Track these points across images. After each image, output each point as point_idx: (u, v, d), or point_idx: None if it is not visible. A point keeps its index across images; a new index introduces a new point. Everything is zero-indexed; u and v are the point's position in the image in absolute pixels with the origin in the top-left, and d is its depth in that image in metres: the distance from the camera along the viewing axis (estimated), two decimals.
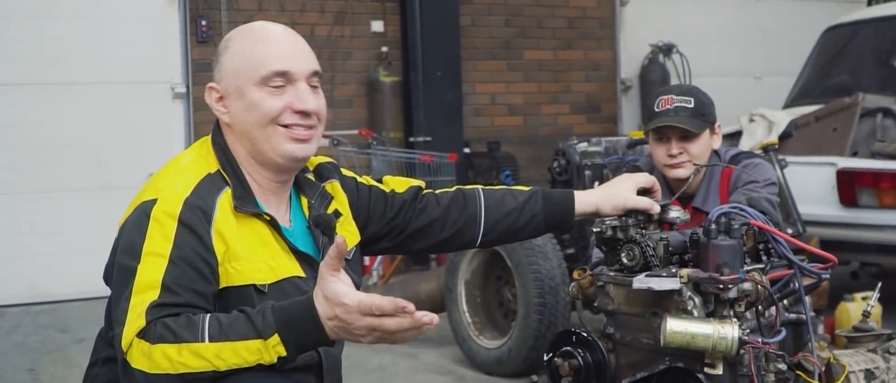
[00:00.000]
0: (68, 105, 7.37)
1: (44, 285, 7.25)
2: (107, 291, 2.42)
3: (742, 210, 2.67)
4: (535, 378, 3.02)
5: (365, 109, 8.30)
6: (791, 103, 7.14)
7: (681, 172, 3.71)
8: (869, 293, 3.24)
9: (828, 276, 2.71)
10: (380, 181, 2.77)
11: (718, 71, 9.67)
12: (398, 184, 2.77)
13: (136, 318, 2.14)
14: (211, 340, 2.11)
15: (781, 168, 5.54)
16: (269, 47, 2.37)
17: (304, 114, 2.37)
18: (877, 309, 3.30)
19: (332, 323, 2.12)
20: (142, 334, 2.12)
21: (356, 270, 2.59)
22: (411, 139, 8.22)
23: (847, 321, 4.87)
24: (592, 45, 9.50)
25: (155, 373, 2.11)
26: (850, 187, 5.66)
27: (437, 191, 2.80)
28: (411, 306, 2.08)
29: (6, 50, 7.17)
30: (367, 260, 7.82)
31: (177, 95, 7.71)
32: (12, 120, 7.20)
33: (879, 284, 3.35)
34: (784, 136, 6.35)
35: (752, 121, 6.71)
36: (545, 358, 2.81)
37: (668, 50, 9.43)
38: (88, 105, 7.43)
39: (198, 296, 2.20)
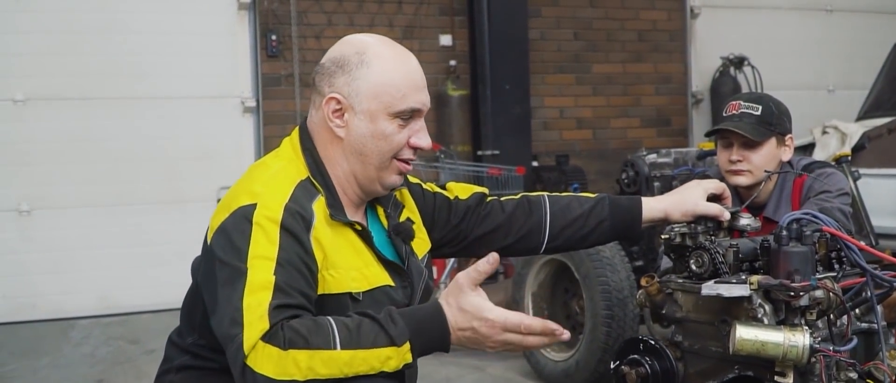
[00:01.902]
0: (141, 119, 7.48)
1: (114, 297, 7.35)
2: (178, 302, 2.41)
3: (814, 217, 2.63)
4: None
5: (433, 123, 8.32)
6: (864, 115, 7.03)
7: (741, 180, 3.66)
8: None
9: None
10: (444, 187, 2.77)
11: (791, 84, 9.54)
12: (462, 190, 2.77)
13: (257, 320, 2.09)
14: (343, 347, 2.09)
15: (854, 180, 5.45)
16: (409, 80, 2.37)
17: (418, 149, 2.41)
18: None
19: (462, 334, 2.16)
20: (268, 338, 2.08)
21: (432, 277, 2.60)
22: (479, 152, 8.22)
23: None
24: (663, 58, 9.44)
25: (282, 380, 2.07)
26: None
27: (503, 198, 2.80)
28: (559, 328, 2.17)
29: (81, 64, 7.31)
30: (434, 271, 7.86)
31: (247, 109, 7.79)
32: (86, 133, 7.33)
33: None
34: (857, 149, 6.25)
35: (825, 132, 6.62)
36: (612, 366, 2.78)
37: (739, 62, 9.35)
38: (161, 119, 7.54)
39: (306, 299, 2.19)
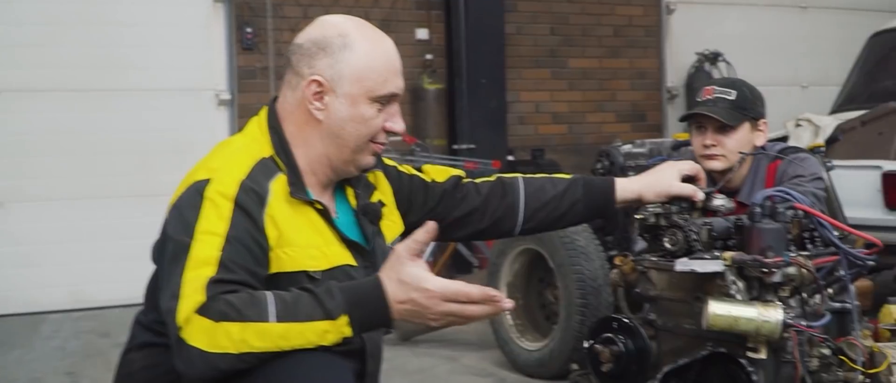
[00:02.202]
0: (114, 111, 7.43)
1: (86, 291, 7.29)
2: None
3: (788, 194, 2.64)
4: (575, 366, 2.99)
5: (409, 116, 8.30)
6: (838, 109, 7.07)
7: (715, 164, 3.67)
8: None
9: (874, 262, 2.67)
10: (420, 170, 2.76)
11: (765, 80, 9.49)
12: (438, 173, 2.76)
13: (193, 293, 2.09)
14: (277, 320, 2.07)
15: (827, 170, 5.47)
16: (390, 64, 2.37)
17: (392, 133, 2.42)
18: None
19: (402, 307, 2.13)
20: (202, 310, 2.07)
21: None
22: (455, 146, 8.22)
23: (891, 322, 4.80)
24: (638, 54, 9.46)
25: (214, 352, 2.05)
26: (895, 190, 5.59)
27: (478, 181, 2.79)
28: (499, 294, 2.14)
29: (55, 56, 7.25)
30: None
31: (222, 102, 7.75)
32: (58, 126, 7.27)
33: None
34: (830, 141, 6.28)
35: (798, 125, 6.65)
36: (586, 345, 2.79)
37: (714, 58, 9.38)
38: (134, 111, 7.49)
39: (252, 277, 2.17)
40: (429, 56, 8.41)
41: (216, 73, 7.76)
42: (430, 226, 2.19)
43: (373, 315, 2.13)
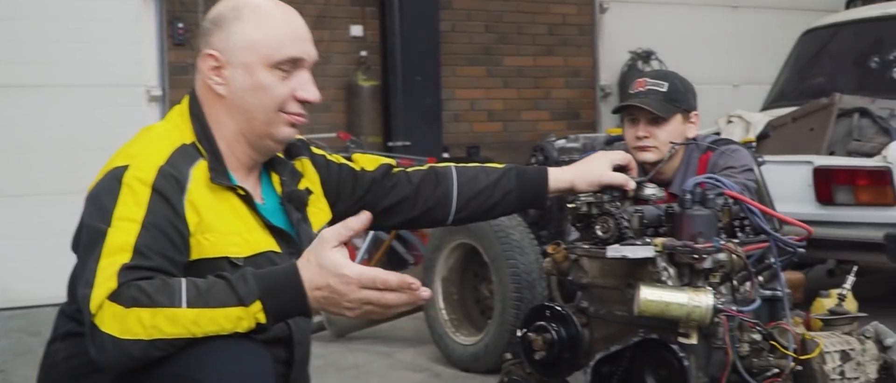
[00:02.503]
0: (43, 107, 7.32)
1: (15, 290, 7.17)
2: None
3: (718, 181, 2.66)
4: (508, 356, 2.99)
5: (343, 114, 8.28)
6: (769, 105, 7.15)
7: (647, 156, 3.69)
8: (845, 286, 3.23)
9: (803, 248, 2.70)
10: (350, 159, 2.74)
11: (697, 78, 9.51)
12: (368, 162, 2.74)
13: (106, 280, 2.06)
14: (189, 306, 2.04)
15: (758, 165, 5.53)
16: (286, 29, 2.33)
17: (306, 102, 2.36)
18: (850, 296, 3.29)
19: (318, 293, 2.09)
20: (113, 297, 2.04)
21: None
22: (390, 143, 8.20)
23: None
24: (572, 52, 9.52)
25: (126, 339, 2.03)
26: (826, 185, 5.66)
27: (409, 169, 2.78)
28: (417, 282, 2.09)
29: None
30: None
31: (153, 98, 7.67)
32: None
33: (855, 268, 3.34)
34: (761, 137, 6.35)
35: (730, 122, 6.71)
36: (519, 334, 2.79)
37: (647, 56, 9.47)
38: (64, 108, 7.38)
39: (169, 263, 2.15)
40: (363, 53, 8.38)
41: (147, 68, 7.67)
42: (365, 217, 2.16)
43: (288, 302, 2.10)
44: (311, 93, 2.35)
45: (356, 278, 2.06)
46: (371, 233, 7.34)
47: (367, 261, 7.27)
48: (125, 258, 2.09)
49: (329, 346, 5.66)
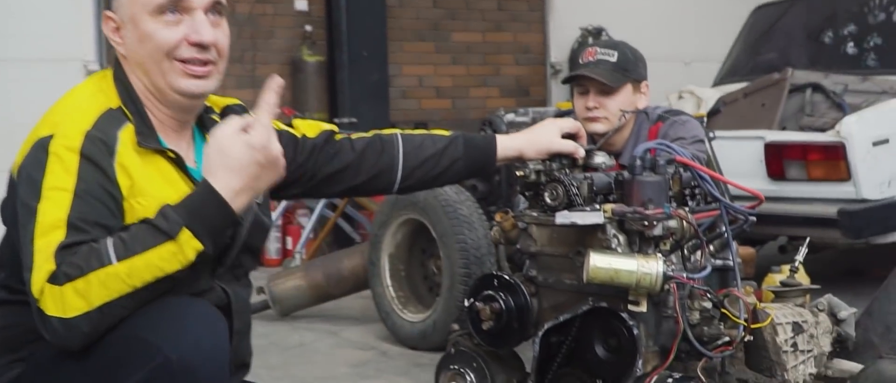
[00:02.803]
0: None
1: None
2: None
3: (668, 147, 2.66)
4: (455, 327, 2.97)
5: (288, 89, 8.20)
6: (720, 81, 7.18)
7: (597, 126, 3.70)
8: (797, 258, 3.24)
9: (754, 217, 2.71)
10: (290, 125, 2.71)
11: (648, 55, 9.49)
12: (309, 128, 2.71)
13: (43, 262, 2.05)
14: (119, 260, 2.03)
15: (709, 141, 5.55)
16: None
17: (201, 47, 2.28)
18: (801, 269, 3.31)
19: (240, 200, 2.13)
20: (52, 279, 2.03)
21: (266, 214, 2.55)
22: (336, 120, 8.14)
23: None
24: (522, 28, 9.51)
25: (72, 317, 2.02)
26: (778, 160, 5.69)
27: (353, 136, 2.75)
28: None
29: None
30: (289, 242, 7.77)
31: (90, 73, 7.55)
32: None
33: (807, 239, 3.35)
34: (712, 113, 6.38)
35: (680, 98, 6.75)
36: (466, 303, 2.78)
37: (597, 33, 9.47)
38: None
39: (106, 232, 2.11)
40: (308, 28, 8.31)
41: (84, 42, 7.56)
42: (276, 82, 2.18)
43: (214, 217, 2.11)
44: (202, 34, 2.27)
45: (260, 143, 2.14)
46: (316, 211, 7.32)
47: (313, 239, 7.25)
48: (60, 236, 2.07)
49: (273, 325, 5.62)
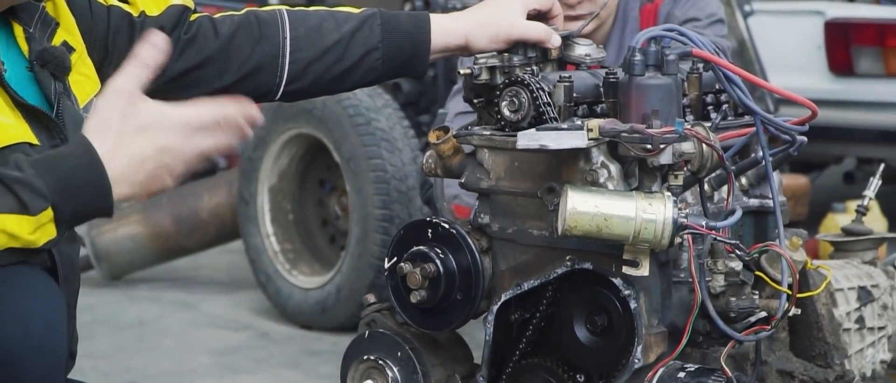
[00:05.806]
0: None
1: None
2: None
3: (681, 34, 2.66)
4: (371, 298, 3.00)
5: None
6: None
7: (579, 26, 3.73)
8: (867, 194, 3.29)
9: (806, 136, 2.74)
10: (125, 1, 2.72)
11: None
12: (150, 3, 2.73)
13: None
14: None
15: (744, 16, 5.59)
16: None
17: None
18: (875, 208, 3.37)
19: (135, 174, 2.16)
20: None
21: None
22: None
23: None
24: None
25: None
26: (843, 46, 5.74)
27: (217, 16, 2.77)
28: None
29: None
30: None
31: None
32: None
33: (881, 166, 3.41)
34: None
35: None
36: (387, 264, 2.79)
37: None
38: None
39: None
40: None
41: None
42: (158, 39, 2.22)
43: (89, 204, 2.15)
44: None
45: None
46: None
47: None
48: None
49: (99, 293, 5.64)
